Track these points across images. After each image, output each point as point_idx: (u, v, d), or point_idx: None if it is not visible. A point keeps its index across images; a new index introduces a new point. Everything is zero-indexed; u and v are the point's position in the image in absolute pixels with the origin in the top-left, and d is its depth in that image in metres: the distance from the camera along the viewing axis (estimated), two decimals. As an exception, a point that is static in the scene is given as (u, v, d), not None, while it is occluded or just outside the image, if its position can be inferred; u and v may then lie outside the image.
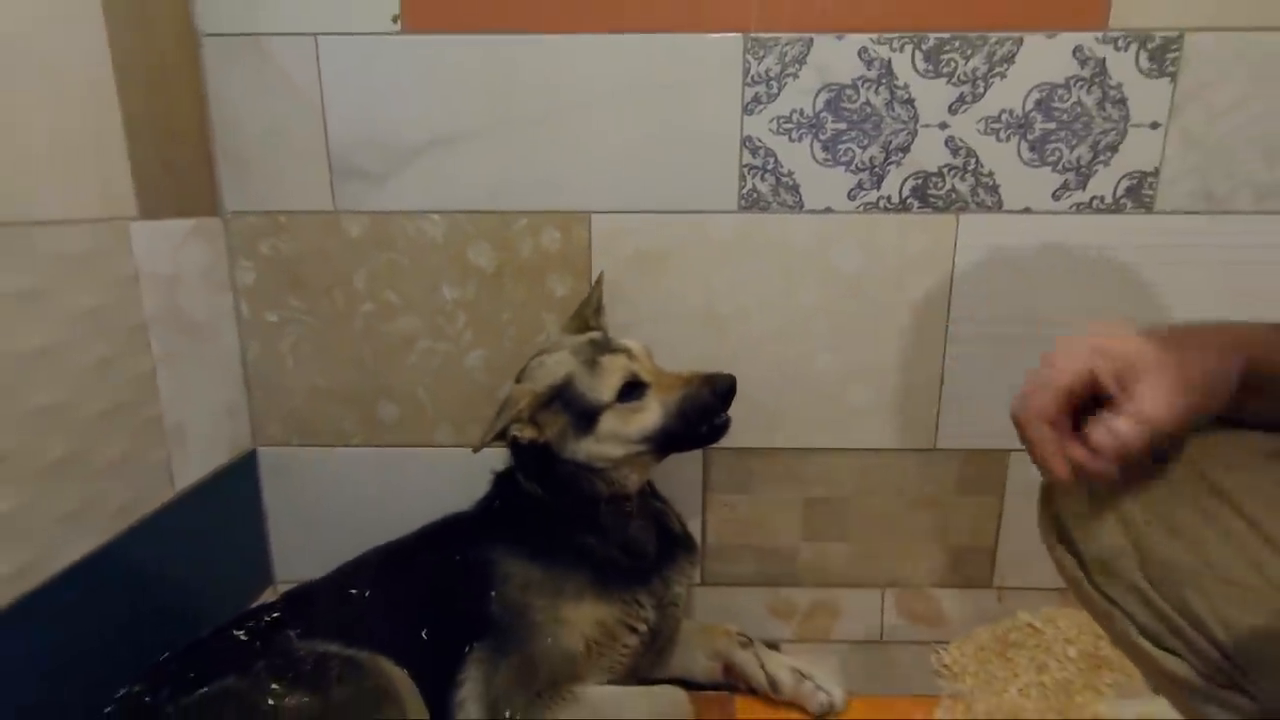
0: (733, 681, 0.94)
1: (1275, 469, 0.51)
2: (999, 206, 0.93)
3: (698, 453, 1.00)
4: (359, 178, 0.93)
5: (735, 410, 0.96)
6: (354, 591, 0.84)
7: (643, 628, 0.85)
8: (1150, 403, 0.45)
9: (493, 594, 0.81)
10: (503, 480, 0.91)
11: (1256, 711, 0.48)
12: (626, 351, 0.83)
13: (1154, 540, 0.51)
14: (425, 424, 1.01)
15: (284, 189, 0.94)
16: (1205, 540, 0.50)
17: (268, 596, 1.04)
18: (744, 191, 0.93)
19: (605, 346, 0.83)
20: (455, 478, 0.94)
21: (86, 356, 0.71)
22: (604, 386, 0.80)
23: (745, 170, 0.92)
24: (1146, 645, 0.52)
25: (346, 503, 1.03)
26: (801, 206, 0.93)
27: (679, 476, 1.00)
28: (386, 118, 0.91)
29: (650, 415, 0.81)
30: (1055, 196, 0.92)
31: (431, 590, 0.83)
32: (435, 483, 1.00)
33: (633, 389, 0.80)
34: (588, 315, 0.90)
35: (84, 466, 0.71)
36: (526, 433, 0.80)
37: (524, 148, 0.92)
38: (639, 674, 0.88)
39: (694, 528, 1.00)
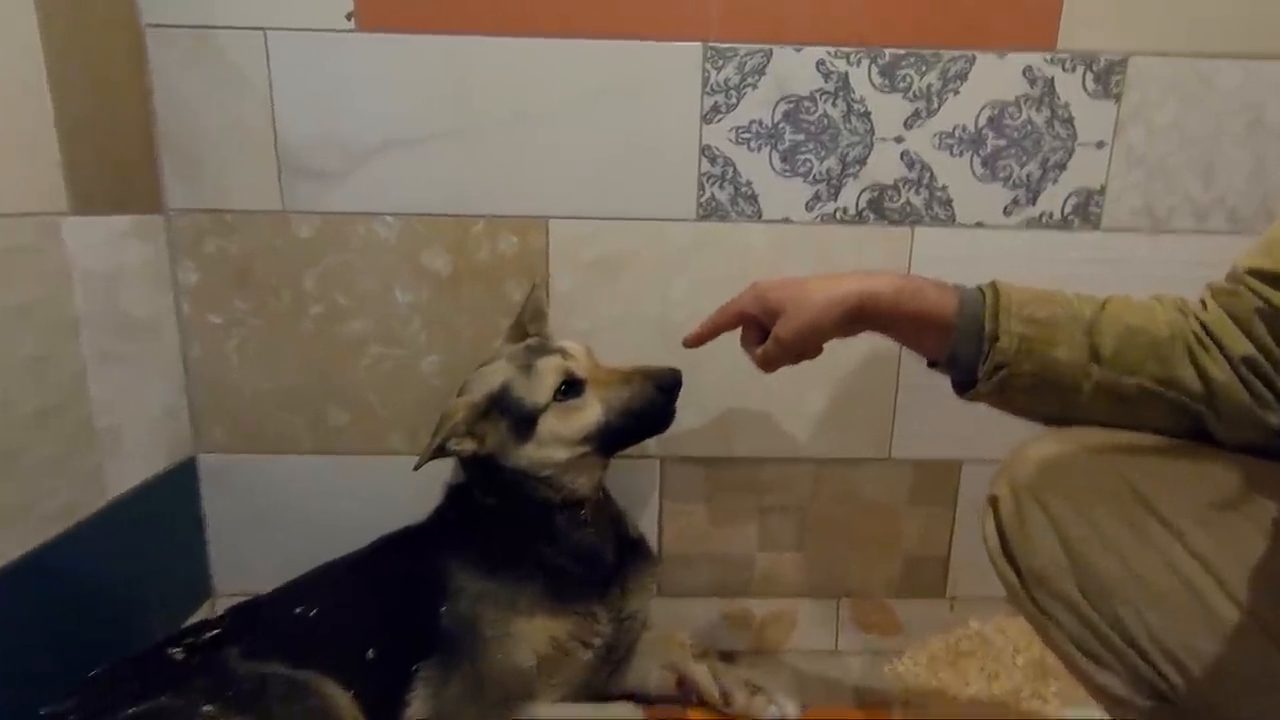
0: (686, 694, 0.93)
1: (1205, 488, 0.52)
2: (952, 221, 0.94)
3: (654, 462, 1.00)
4: (310, 177, 0.91)
5: (692, 419, 0.97)
6: (300, 609, 0.81)
7: (597, 642, 0.83)
8: (782, 329, 0.67)
9: (443, 609, 0.79)
10: (456, 491, 0.90)
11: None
12: (561, 351, 0.82)
13: (1087, 553, 0.53)
14: (377, 430, 0.98)
15: (231, 187, 0.91)
16: (1134, 553, 0.51)
17: (206, 610, 1.00)
18: (702, 200, 0.93)
19: (541, 350, 0.83)
20: (409, 487, 0.90)
21: (14, 355, 0.68)
22: (540, 388, 0.79)
23: (704, 179, 0.92)
24: (1079, 657, 0.53)
25: (292, 512, 1.00)
26: (760, 216, 0.94)
27: (635, 486, 1.00)
28: (339, 117, 0.89)
29: (590, 412, 0.80)
30: (1006, 212, 0.94)
31: (380, 607, 0.81)
32: (388, 492, 0.97)
33: (570, 387, 0.80)
34: (525, 322, 0.90)
35: (9, 469, 0.68)
36: (465, 445, 0.79)
37: (481, 151, 0.91)
38: (594, 688, 0.86)
39: (650, 538, 0.99)
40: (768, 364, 0.72)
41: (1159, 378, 0.56)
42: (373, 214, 0.92)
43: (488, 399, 0.80)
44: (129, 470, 0.85)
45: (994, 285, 0.61)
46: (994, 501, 0.59)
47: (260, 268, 0.93)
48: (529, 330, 0.90)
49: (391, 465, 0.99)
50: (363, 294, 0.94)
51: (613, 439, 0.82)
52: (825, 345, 0.71)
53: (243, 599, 0.86)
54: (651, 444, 0.94)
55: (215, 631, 0.79)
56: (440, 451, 0.78)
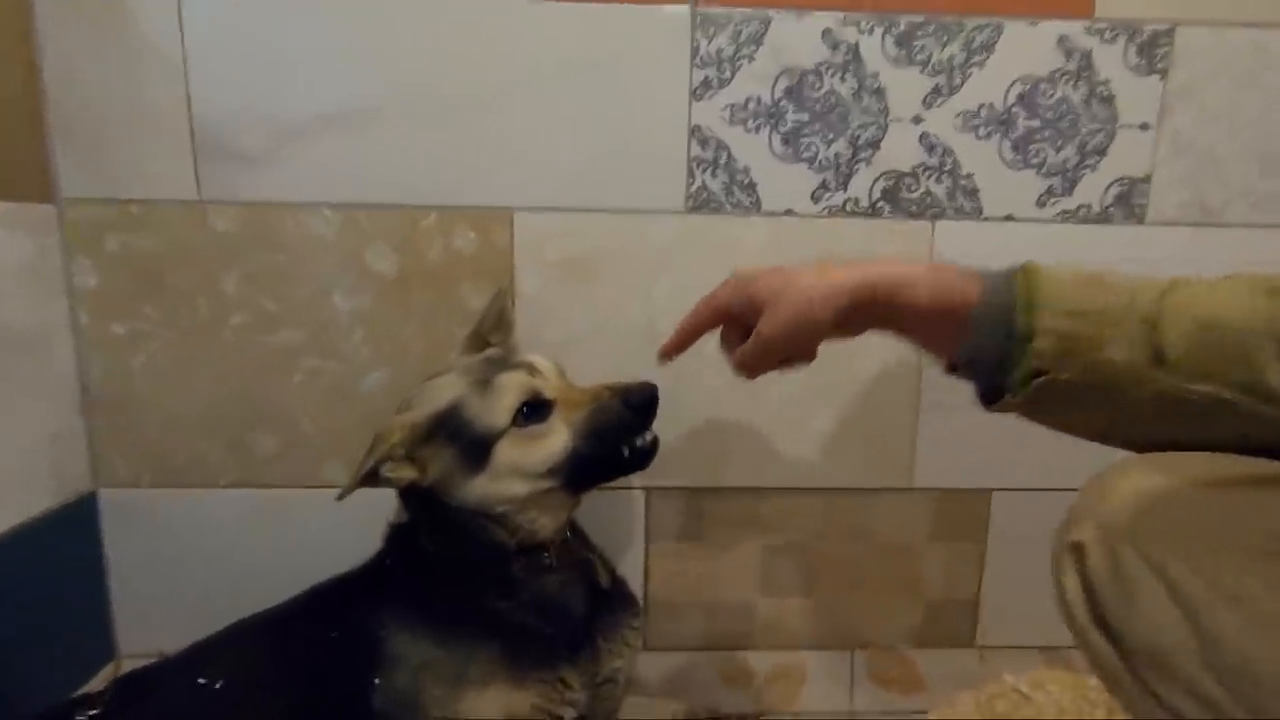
0: (678, 771, 0.79)
1: None
2: (978, 213, 0.83)
3: (638, 493, 0.87)
4: (231, 161, 0.78)
5: (681, 444, 0.85)
6: (202, 680, 0.67)
7: (569, 713, 0.69)
8: (765, 325, 0.56)
9: (376, 681, 0.65)
10: (398, 532, 0.76)
11: None
12: (528, 366, 0.69)
13: (1222, 628, 0.39)
14: (310, 459, 0.85)
15: (137, 172, 0.78)
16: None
17: (110, 675, 0.85)
18: (692, 189, 0.81)
19: (503, 364, 0.70)
20: (347, 525, 0.77)
21: None
22: (498, 409, 0.65)
23: (694, 164, 0.80)
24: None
25: (212, 557, 0.86)
26: (758, 208, 0.82)
27: (615, 522, 0.87)
28: (266, 89, 0.77)
29: (556, 439, 0.66)
30: (1040, 203, 0.83)
31: (300, 678, 0.67)
32: (323, 531, 0.84)
33: (535, 409, 0.66)
34: (486, 332, 0.77)
35: None
36: (403, 473, 0.65)
37: (434, 131, 0.79)
38: (565, 768, 0.72)
39: (634, 582, 0.86)
40: (746, 367, 0.61)
41: (1240, 383, 0.44)
42: (305, 204, 0.79)
43: (432, 419, 0.66)
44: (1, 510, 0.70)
45: (1026, 270, 0.49)
46: (1078, 549, 0.46)
47: (172, 268, 0.80)
48: (490, 342, 0.77)
49: (327, 500, 0.82)
50: (294, 299, 0.81)
51: (581, 471, 0.68)
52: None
53: (151, 661, 0.72)
54: (634, 473, 0.81)
55: (94, 712, 0.64)
56: (371, 479, 0.64)
